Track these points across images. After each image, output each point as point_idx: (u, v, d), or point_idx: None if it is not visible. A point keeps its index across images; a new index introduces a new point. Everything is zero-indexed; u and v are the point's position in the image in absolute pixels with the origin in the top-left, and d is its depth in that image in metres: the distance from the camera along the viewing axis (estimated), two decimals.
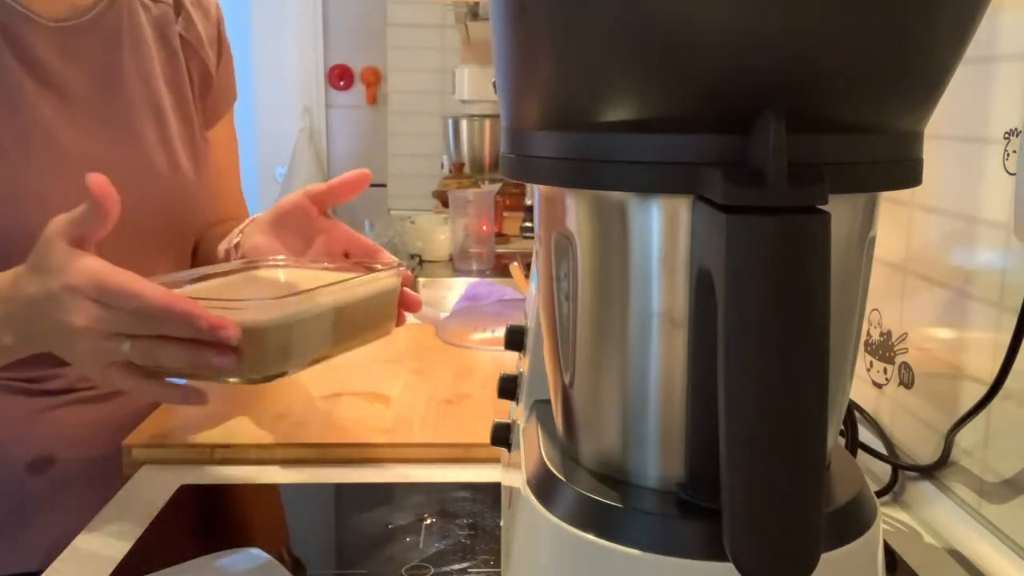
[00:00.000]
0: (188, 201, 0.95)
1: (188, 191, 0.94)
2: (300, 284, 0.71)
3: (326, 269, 0.79)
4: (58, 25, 0.84)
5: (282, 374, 0.67)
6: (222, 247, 0.91)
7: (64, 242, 0.63)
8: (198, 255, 1.03)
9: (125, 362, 0.63)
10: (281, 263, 0.81)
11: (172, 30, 0.95)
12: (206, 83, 0.99)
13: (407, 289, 0.79)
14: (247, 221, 0.90)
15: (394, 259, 0.82)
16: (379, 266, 0.79)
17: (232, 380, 0.66)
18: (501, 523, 0.66)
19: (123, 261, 0.79)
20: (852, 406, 0.75)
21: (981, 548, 0.64)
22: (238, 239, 0.88)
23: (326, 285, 0.68)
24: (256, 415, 0.88)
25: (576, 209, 0.39)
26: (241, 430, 0.84)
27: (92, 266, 0.62)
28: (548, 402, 0.47)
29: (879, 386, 0.82)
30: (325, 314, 0.68)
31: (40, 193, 0.81)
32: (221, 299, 0.63)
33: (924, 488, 0.72)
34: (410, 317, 1.25)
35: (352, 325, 0.72)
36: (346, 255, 0.84)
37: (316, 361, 0.70)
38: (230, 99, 1.05)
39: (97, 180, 0.62)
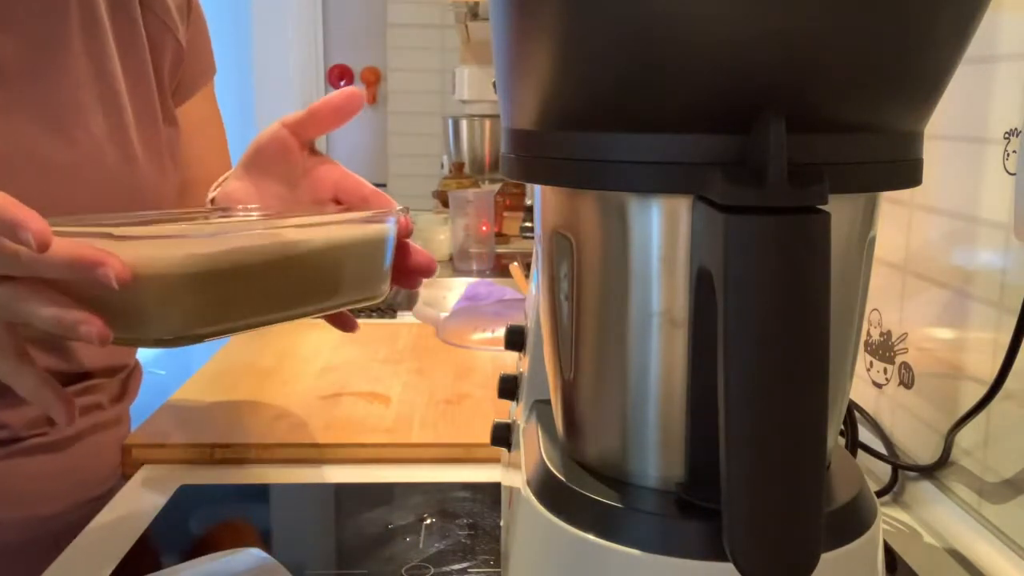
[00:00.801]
0: (146, 201, 0.77)
1: (146, 189, 0.77)
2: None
3: (311, 216, 0.62)
4: None
5: (196, 338, 0.49)
6: (204, 203, 0.74)
7: None
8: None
9: None
10: (249, 212, 0.65)
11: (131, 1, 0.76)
12: (176, 57, 0.81)
13: (413, 244, 0.63)
14: (228, 172, 0.74)
15: (392, 202, 0.64)
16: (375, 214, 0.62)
17: (125, 336, 0.49)
18: (501, 523, 0.66)
19: None
20: (852, 406, 0.75)
21: (981, 548, 0.64)
22: (215, 193, 0.71)
23: (272, 225, 0.52)
24: (256, 415, 0.88)
25: (576, 209, 0.39)
26: (241, 430, 0.84)
27: None
28: (548, 402, 0.47)
29: (879, 386, 0.82)
30: (272, 263, 0.51)
31: None
32: (103, 229, 0.47)
33: (924, 488, 0.72)
34: (409, 316, 1.18)
35: (315, 283, 0.55)
36: (336, 201, 0.67)
37: (256, 325, 0.52)
38: (206, 72, 0.88)
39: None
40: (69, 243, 0.46)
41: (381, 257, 0.59)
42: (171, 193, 0.81)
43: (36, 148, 0.68)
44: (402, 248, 0.61)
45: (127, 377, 0.86)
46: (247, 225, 0.51)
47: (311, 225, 0.53)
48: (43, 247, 0.45)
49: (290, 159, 0.67)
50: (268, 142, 0.68)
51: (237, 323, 0.51)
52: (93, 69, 0.72)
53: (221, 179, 0.73)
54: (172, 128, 0.80)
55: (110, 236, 0.46)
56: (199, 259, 0.47)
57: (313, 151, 0.68)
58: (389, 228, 0.59)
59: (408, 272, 0.63)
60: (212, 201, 0.71)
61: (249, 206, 0.66)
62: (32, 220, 0.46)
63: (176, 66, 0.81)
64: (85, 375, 0.77)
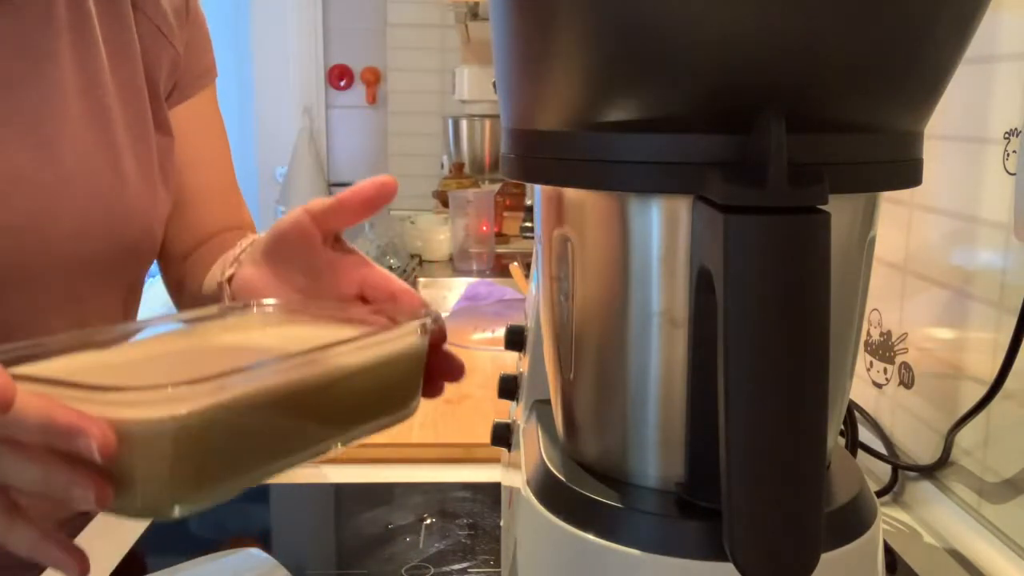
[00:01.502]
0: (137, 218, 0.72)
1: (135, 209, 0.72)
2: (259, 350, 0.48)
3: (325, 320, 0.54)
4: None
5: (200, 504, 0.39)
6: (211, 280, 0.68)
7: None
8: (184, 290, 0.78)
9: None
10: (265, 308, 0.56)
11: (125, 8, 0.71)
12: (173, 64, 0.76)
13: (448, 349, 0.54)
14: (246, 243, 0.66)
15: (421, 304, 0.56)
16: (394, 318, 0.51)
17: (118, 513, 0.39)
18: (501, 523, 0.66)
19: (55, 302, 0.65)
20: (852, 406, 0.75)
21: (981, 548, 0.64)
22: (232, 270, 0.64)
23: (287, 355, 0.41)
24: None
25: (576, 209, 0.39)
26: None
27: None
28: (548, 402, 0.47)
29: (879, 386, 0.82)
30: (280, 403, 0.41)
31: None
32: (88, 385, 0.37)
33: (924, 488, 0.72)
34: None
35: (338, 414, 0.45)
36: (362, 299, 0.59)
37: (272, 474, 0.42)
38: (205, 75, 0.82)
39: None
40: (40, 402, 0.38)
41: (418, 372, 0.50)
42: (162, 213, 0.76)
43: (20, 164, 0.64)
44: (433, 353, 0.53)
45: None
46: (263, 362, 0.40)
47: (347, 349, 0.44)
48: (3, 406, 0.37)
49: (313, 249, 0.60)
50: (289, 229, 0.60)
51: (242, 476, 0.41)
52: (83, 81, 0.68)
53: (238, 251, 0.65)
54: (166, 137, 0.76)
55: (92, 389, 0.37)
56: (208, 411, 0.37)
57: (339, 241, 0.61)
58: (424, 338, 0.50)
59: (434, 378, 0.55)
60: (230, 280, 0.64)
61: (266, 301, 0.57)
62: (46, 408, 0.37)
63: (172, 72, 0.77)
64: None
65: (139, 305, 0.78)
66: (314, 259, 0.59)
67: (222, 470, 0.39)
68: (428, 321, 0.49)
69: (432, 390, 0.54)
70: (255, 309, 0.55)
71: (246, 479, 0.41)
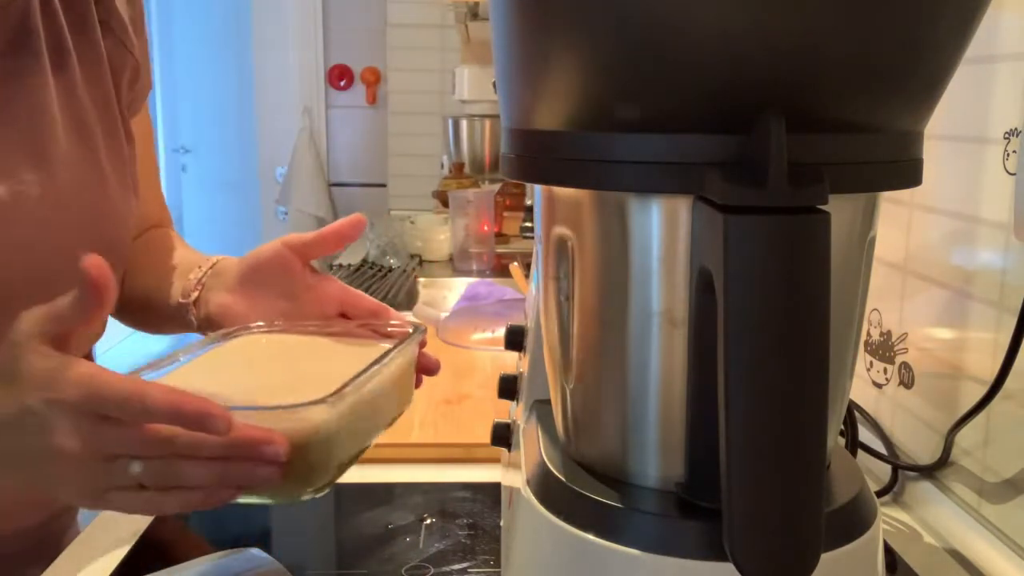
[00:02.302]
0: (117, 227, 0.76)
1: (115, 212, 0.75)
2: (316, 361, 0.60)
3: (326, 333, 0.65)
4: None
5: (324, 488, 0.52)
6: (167, 295, 0.74)
7: (40, 344, 0.49)
8: (124, 290, 0.81)
9: (131, 484, 0.49)
10: (266, 329, 0.66)
11: (91, 16, 0.74)
12: (134, 74, 0.79)
13: (425, 351, 0.65)
14: (205, 267, 0.74)
15: (406, 319, 0.67)
16: (390, 327, 0.65)
17: (257, 500, 0.51)
18: (501, 523, 0.66)
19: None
20: (852, 406, 0.75)
21: (981, 548, 0.64)
22: (196, 294, 0.72)
23: (367, 368, 0.54)
24: None
25: (576, 209, 0.39)
26: None
27: (82, 372, 0.48)
28: (548, 402, 0.47)
29: (879, 386, 0.82)
30: (371, 402, 0.54)
31: None
32: (262, 406, 0.49)
33: (924, 488, 0.72)
34: (409, 316, 1.21)
35: (383, 410, 0.58)
36: (343, 315, 0.69)
37: (366, 451, 0.56)
38: (148, 87, 0.85)
39: (94, 264, 0.49)
40: (239, 426, 0.47)
41: (412, 372, 0.63)
42: (133, 215, 0.79)
43: (20, 178, 0.67)
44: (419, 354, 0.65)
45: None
46: (360, 378, 0.52)
47: (389, 360, 0.57)
48: (227, 429, 0.46)
49: (293, 276, 0.69)
50: (269, 259, 0.70)
51: (346, 465, 0.53)
52: (63, 96, 0.71)
53: (200, 274, 0.73)
54: (131, 146, 0.79)
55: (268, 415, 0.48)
56: (339, 415, 0.49)
57: (312, 268, 0.71)
58: (417, 346, 0.63)
59: (417, 372, 0.66)
60: (196, 303, 0.72)
61: (259, 324, 0.67)
62: (214, 406, 0.46)
63: (133, 83, 0.80)
64: None
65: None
66: (294, 285, 0.69)
67: (346, 455, 0.52)
68: (424, 328, 0.63)
69: (416, 383, 0.65)
70: (254, 329, 0.65)
71: (356, 458, 0.54)
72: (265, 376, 0.58)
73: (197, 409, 0.46)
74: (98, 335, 0.79)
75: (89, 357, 0.82)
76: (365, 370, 0.53)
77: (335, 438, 0.50)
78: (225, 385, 0.52)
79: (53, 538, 0.80)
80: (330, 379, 0.51)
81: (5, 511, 0.75)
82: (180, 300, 0.73)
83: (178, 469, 0.48)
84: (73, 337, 0.50)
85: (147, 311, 0.79)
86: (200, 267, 0.74)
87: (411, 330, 0.63)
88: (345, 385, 0.50)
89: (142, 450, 0.48)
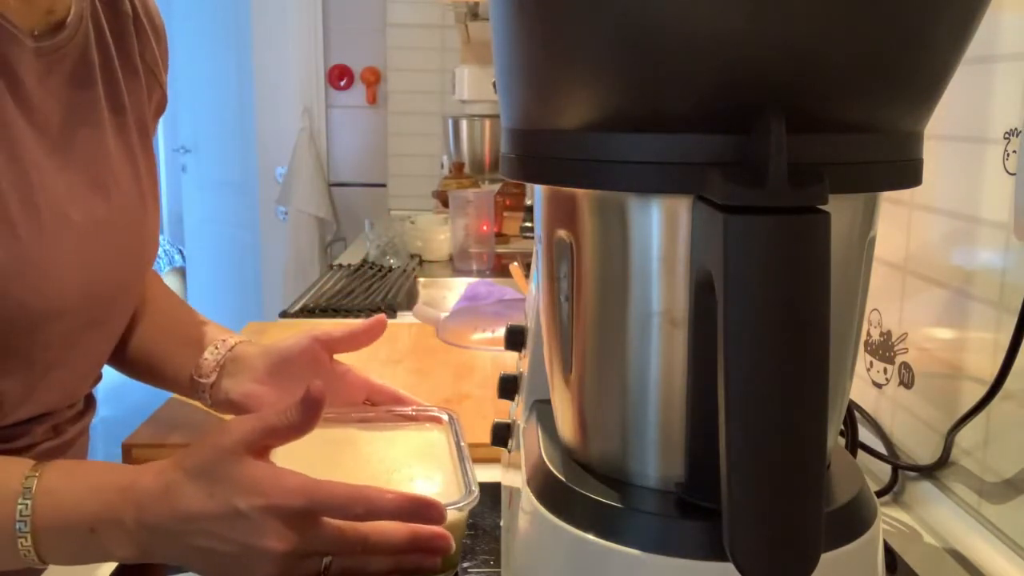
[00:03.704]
0: (152, 240, 0.81)
1: (152, 230, 0.80)
2: (371, 447, 0.68)
3: (361, 420, 0.74)
4: (37, 46, 0.67)
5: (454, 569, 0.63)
6: (186, 371, 0.80)
7: (247, 454, 0.55)
8: (131, 345, 0.84)
9: (317, 572, 0.55)
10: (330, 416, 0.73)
11: (133, 49, 0.79)
12: (160, 105, 0.86)
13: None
14: (223, 349, 0.80)
15: (417, 401, 0.77)
16: (415, 410, 0.75)
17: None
18: (501, 523, 0.66)
19: (85, 327, 0.70)
20: (852, 406, 0.75)
21: (981, 548, 0.64)
22: (214, 377, 0.78)
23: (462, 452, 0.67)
24: None
25: (576, 209, 0.39)
26: None
27: (302, 480, 0.54)
28: (548, 402, 0.47)
29: (879, 386, 0.82)
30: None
31: (41, 259, 0.66)
32: (451, 503, 0.58)
33: (924, 488, 0.72)
34: (409, 316, 1.24)
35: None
36: (369, 401, 0.78)
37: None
38: (163, 110, 0.90)
39: (317, 389, 0.55)
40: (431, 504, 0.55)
41: None
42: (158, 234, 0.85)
43: (86, 203, 0.71)
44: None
45: (85, 402, 0.84)
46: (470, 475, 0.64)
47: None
48: (444, 517, 0.55)
49: (321, 368, 0.77)
50: (300, 354, 0.77)
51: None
52: (115, 124, 0.76)
53: (219, 356, 0.79)
54: (156, 169, 0.84)
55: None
56: (472, 500, 0.60)
57: (334, 359, 0.79)
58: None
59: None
60: (213, 386, 0.78)
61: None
62: (430, 499, 0.55)
63: (157, 113, 0.86)
64: (45, 415, 0.75)
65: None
66: (320, 374, 0.76)
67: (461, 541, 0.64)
68: (453, 414, 0.74)
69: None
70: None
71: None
72: (337, 464, 0.66)
73: (417, 500, 0.54)
74: (98, 379, 0.82)
75: (91, 398, 0.84)
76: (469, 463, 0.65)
77: (463, 529, 0.63)
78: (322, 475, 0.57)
79: None
80: (392, 463, 0.66)
81: None
82: (195, 378, 0.79)
83: (365, 561, 0.55)
84: (268, 450, 0.57)
85: (154, 376, 0.84)
86: (217, 348, 0.80)
87: (445, 417, 0.73)
88: (471, 483, 0.61)
89: (342, 548, 0.55)
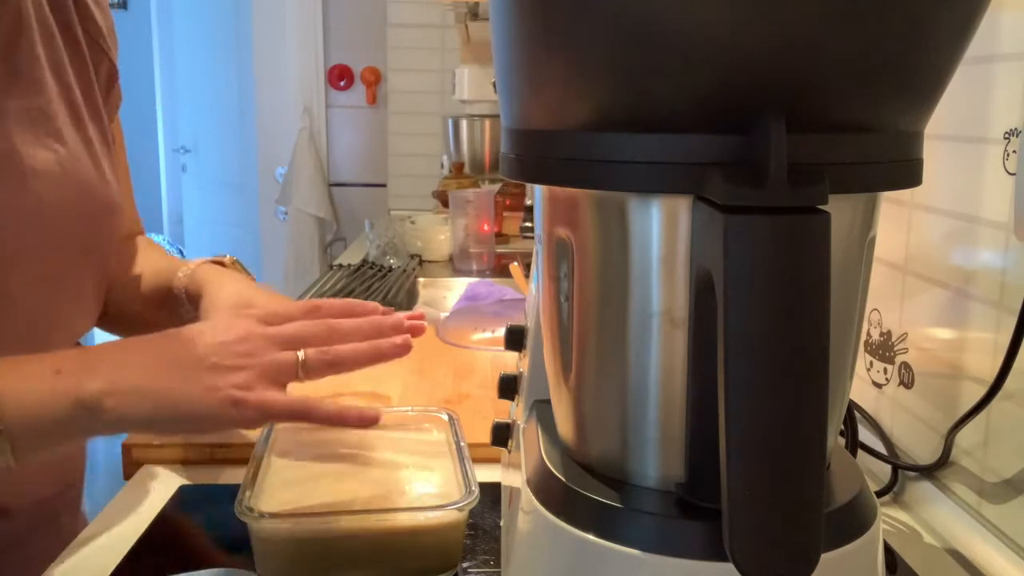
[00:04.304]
0: (112, 208, 0.82)
1: (111, 197, 0.82)
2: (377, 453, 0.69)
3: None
4: None
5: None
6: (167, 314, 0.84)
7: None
8: (113, 302, 0.88)
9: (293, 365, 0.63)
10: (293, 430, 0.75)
11: (71, 17, 0.80)
12: (110, 78, 0.86)
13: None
14: (188, 270, 0.84)
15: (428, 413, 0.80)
16: (412, 410, 0.77)
17: None
18: (501, 523, 0.66)
19: (45, 278, 0.75)
20: (852, 406, 0.75)
21: (981, 548, 0.64)
22: (190, 287, 0.82)
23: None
24: None
25: (576, 209, 0.39)
26: (240, 430, 0.84)
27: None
28: (548, 402, 0.47)
29: (879, 386, 0.82)
30: None
31: None
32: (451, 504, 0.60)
33: (924, 488, 0.72)
34: None
35: None
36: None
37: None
38: (120, 98, 0.91)
39: (373, 415, 0.66)
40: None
41: None
42: (124, 203, 0.85)
43: (23, 153, 0.71)
44: None
45: None
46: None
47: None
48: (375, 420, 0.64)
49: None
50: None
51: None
52: (58, 82, 0.76)
53: (185, 277, 0.83)
54: (113, 147, 0.85)
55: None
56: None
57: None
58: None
59: None
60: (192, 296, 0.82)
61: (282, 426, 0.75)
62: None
63: (109, 87, 0.86)
64: None
65: (106, 287, 0.86)
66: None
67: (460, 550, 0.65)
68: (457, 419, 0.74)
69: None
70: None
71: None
72: (337, 464, 0.67)
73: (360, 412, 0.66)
74: (87, 328, 0.85)
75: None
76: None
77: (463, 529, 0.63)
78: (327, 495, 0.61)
79: (65, 508, 0.84)
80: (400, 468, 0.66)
81: (25, 482, 0.79)
82: (175, 297, 0.82)
83: (335, 346, 0.63)
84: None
85: (138, 328, 0.84)
86: (182, 273, 0.83)
87: (445, 417, 0.74)
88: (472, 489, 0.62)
89: (312, 330, 0.62)
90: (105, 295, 0.85)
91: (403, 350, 0.69)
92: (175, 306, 0.82)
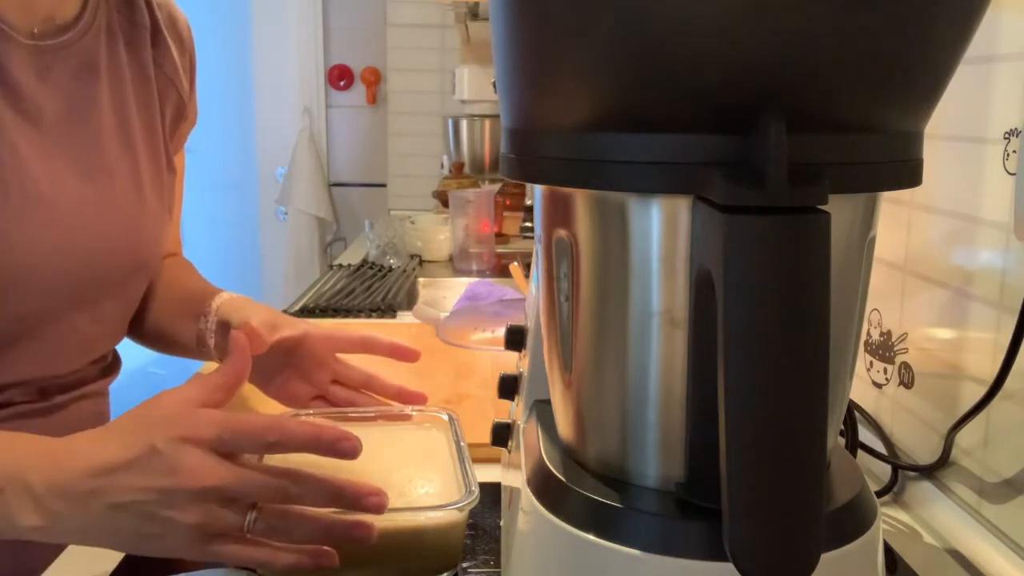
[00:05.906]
0: (150, 239, 0.86)
1: (153, 227, 0.86)
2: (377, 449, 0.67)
3: (369, 420, 0.76)
4: (35, 44, 0.75)
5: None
6: (187, 335, 0.86)
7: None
8: (150, 317, 0.92)
9: (240, 533, 0.54)
10: (319, 414, 0.76)
11: (147, 57, 0.86)
12: (179, 114, 0.92)
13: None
14: (211, 316, 0.85)
15: (422, 394, 0.82)
16: (412, 410, 0.77)
17: None
18: (501, 523, 0.66)
19: (74, 305, 0.78)
20: (852, 406, 0.75)
21: (981, 548, 0.64)
22: (213, 342, 0.83)
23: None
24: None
25: (576, 209, 0.39)
26: None
27: (209, 415, 0.54)
28: (548, 402, 0.47)
29: (879, 386, 0.82)
30: None
31: (5, 230, 0.71)
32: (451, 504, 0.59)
33: (924, 488, 0.72)
34: (409, 316, 1.29)
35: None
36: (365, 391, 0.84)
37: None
38: (192, 125, 0.97)
39: (240, 337, 0.59)
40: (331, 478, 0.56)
41: None
42: (170, 234, 0.92)
43: (72, 188, 0.77)
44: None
45: (111, 359, 0.92)
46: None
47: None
48: (357, 452, 0.55)
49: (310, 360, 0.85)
50: (299, 341, 0.83)
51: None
52: (116, 121, 0.82)
53: (208, 327, 0.85)
54: (171, 175, 0.90)
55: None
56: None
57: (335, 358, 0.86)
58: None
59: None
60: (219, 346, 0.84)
61: (307, 411, 0.77)
62: (347, 432, 0.55)
63: (176, 119, 0.91)
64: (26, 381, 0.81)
65: (133, 311, 0.90)
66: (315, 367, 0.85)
67: (456, 552, 0.64)
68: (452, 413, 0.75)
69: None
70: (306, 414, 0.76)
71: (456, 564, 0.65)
72: (336, 464, 0.63)
73: (333, 433, 0.55)
74: (101, 360, 0.89)
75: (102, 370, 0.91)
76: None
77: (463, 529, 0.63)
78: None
79: None
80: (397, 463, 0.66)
81: None
82: (199, 348, 0.85)
83: (288, 523, 0.54)
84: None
85: (168, 347, 0.92)
86: (206, 317, 0.85)
87: (445, 417, 0.74)
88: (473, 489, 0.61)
89: (262, 492, 0.53)
90: (135, 313, 0.89)
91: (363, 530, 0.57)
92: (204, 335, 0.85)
